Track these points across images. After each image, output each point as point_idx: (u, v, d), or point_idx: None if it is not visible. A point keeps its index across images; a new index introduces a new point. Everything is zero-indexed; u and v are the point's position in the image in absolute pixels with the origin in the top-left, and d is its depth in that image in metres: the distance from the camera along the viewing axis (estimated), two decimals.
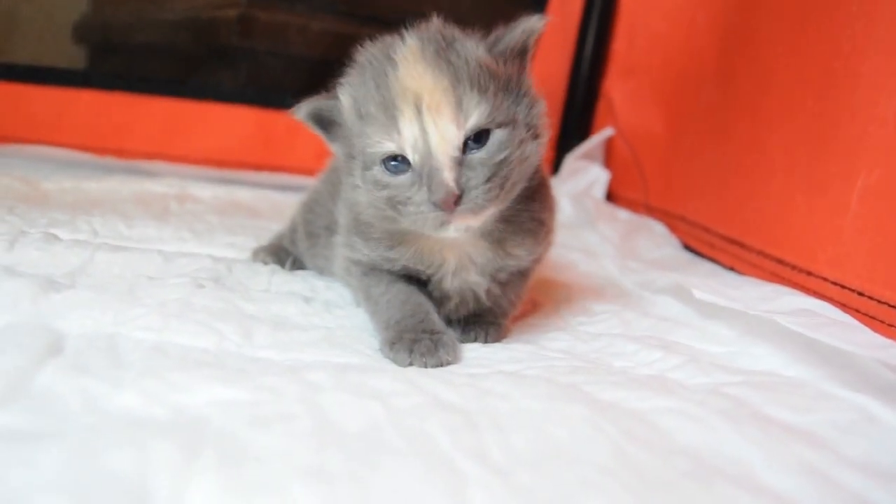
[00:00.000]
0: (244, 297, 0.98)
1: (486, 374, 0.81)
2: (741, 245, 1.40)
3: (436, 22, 0.87)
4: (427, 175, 0.80)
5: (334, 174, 1.12)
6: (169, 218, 1.45)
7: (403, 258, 0.94)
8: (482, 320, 0.99)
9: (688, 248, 1.63)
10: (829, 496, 0.60)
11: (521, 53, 0.88)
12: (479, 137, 0.82)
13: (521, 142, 0.84)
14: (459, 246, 0.93)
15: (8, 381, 0.64)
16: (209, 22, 2.08)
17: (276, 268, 1.17)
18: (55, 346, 0.73)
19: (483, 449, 0.62)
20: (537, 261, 1.01)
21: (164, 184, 1.72)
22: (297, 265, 1.21)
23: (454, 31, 0.87)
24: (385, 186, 0.83)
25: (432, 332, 0.87)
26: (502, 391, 0.74)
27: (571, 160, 2.14)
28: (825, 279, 1.14)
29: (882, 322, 1.00)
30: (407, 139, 0.81)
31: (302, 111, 0.90)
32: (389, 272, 0.96)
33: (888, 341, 0.93)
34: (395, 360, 0.85)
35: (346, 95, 0.87)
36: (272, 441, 0.60)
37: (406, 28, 0.86)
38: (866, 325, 0.99)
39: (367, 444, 0.61)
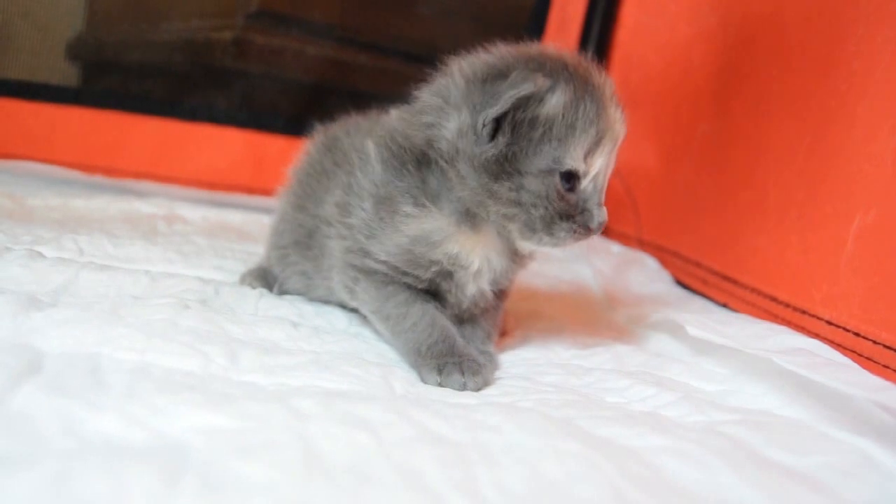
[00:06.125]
0: (231, 320, 0.96)
1: (477, 406, 0.79)
2: (734, 282, 1.39)
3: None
4: (592, 203, 0.89)
5: (301, 186, 1.14)
6: (157, 238, 1.42)
7: (445, 259, 0.95)
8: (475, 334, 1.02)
9: (680, 283, 1.62)
10: None
11: None
12: None
13: None
14: (484, 249, 0.96)
15: None
16: (204, 43, 2.07)
17: (264, 292, 1.15)
18: (34, 366, 0.71)
19: (475, 485, 0.60)
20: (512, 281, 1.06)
21: (153, 204, 1.70)
22: (285, 289, 1.19)
23: None
24: (560, 199, 0.88)
25: (464, 356, 0.90)
26: (494, 423, 0.72)
27: None
28: (820, 318, 1.12)
29: (878, 363, 0.99)
30: (594, 167, 0.90)
31: (519, 86, 0.85)
32: (407, 286, 0.97)
33: (885, 383, 0.91)
34: (444, 384, 0.87)
35: (558, 100, 0.87)
36: (256, 471, 0.58)
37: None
38: (862, 365, 0.98)
39: (354, 477, 0.59)
